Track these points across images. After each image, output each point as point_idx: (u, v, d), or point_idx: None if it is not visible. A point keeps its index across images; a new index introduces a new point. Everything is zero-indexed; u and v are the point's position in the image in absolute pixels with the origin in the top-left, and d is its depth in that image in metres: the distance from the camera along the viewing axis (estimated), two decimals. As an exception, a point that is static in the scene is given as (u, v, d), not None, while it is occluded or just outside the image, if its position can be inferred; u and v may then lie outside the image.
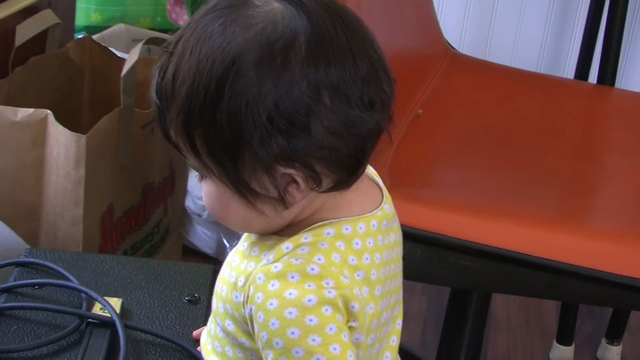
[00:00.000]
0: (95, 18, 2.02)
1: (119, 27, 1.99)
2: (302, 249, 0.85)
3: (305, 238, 0.85)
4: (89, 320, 1.10)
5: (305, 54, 0.80)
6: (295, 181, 0.83)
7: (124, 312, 1.15)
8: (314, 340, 0.82)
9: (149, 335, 1.11)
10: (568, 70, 2.15)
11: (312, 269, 0.83)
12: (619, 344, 1.97)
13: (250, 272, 0.86)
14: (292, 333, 0.82)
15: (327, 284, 0.83)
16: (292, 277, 0.83)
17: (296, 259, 0.84)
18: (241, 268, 0.88)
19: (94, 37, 1.89)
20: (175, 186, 1.85)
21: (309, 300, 0.82)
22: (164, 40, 1.76)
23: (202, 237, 2.10)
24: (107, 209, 1.57)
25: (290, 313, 0.82)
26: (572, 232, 1.30)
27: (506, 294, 2.06)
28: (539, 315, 2.10)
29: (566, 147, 1.55)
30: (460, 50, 1.89)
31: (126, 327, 1.09)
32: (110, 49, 1.84)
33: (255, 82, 0.79)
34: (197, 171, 0.87)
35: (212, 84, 0.80)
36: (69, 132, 1.46)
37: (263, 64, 0.79)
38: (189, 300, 1.19)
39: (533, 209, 1.35)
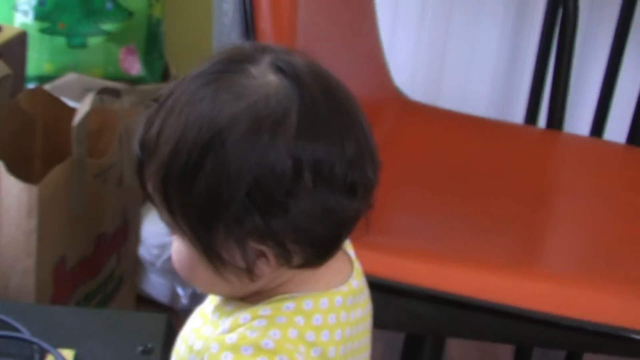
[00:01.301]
0: (47, 68, 2.01)
1: (71, 76, 1.99)
2: (259, 322, 0.83)
3: (264, 310, 0.84)
4: (42, 372, 1.09)
5: (294, 133, 0.78)
6: (265, 256, 0.82)
7: (78, 363, 1.14)
8: None
9: (103, 388, 1.10)
10: (518, 114, 2.17)
11: (267, 344, 0.81)
12: (573, 386, 1.98)
13: (207, 337, 0.86)
14: None
15: (246, 351, 0.81)
16: (246, 350, 0.81)
17: (251, 332, 0.82)
18: (201, 332, 0.88)
19: (46, 86, 1.89)
20: (128, 235, 1.84)
21: None
22: (116, 90, 1.77)
23: (156, 285, 2.09)
24: (60, 259, 1.56)
25: None
26: (523, 276, 1.31)
27: (461, 339, 2.06)
28: (494, 357, 2.10)
29: (517, 191, 1.56)
30: (411, 96, 1.91)
31: (80, 380, 1.08)
32: (63, 98, 1.83)
33: (239, 156, 0.78)
34: (169, 227, 0.85)
35: (195, 151, 0.78)
36: (21, 182, 1.45)
37: (250, 139, 0.78)
38: (142, 351, 1.18)
39: (485, 254, 1.36)
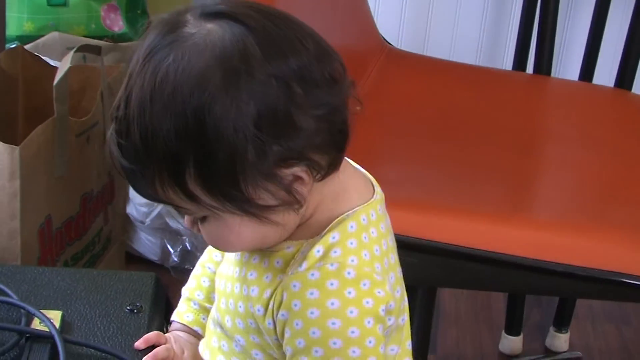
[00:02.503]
0: (27, 27, 1.99)
1: (53, 35, 1.96)
2: (335, 252, 0.85)
3: (333, 237, 0.86)
4: (28, 335, 1.08)
5: (261, 56, 0.80)
6: (299, 178, 0.83)
7: (64, 324, 1.13)
8: (354, 352, 0.83)
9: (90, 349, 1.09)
10: (506, 62, 2.16)
11: (349, 273, 0.84)
12: (566, 332, 1.99)
13: (279, 282, 0.86)
14: (334, 343, 0.83)
15: (364, 285, 0.84)
16: (331, 285, 0.84)
17: (331, 264, 0.84)
18: (263, 281, 0.88)
19: (27, 46, 1.87)
20: (115, 194, 1.83)
21: (351, 312, 0.83)
22: (97, 47, 1.75)
23: (146, 243, 2.08)
24: (45, 221, 1.55)
25: (333, 324, 0.83)
26: (513, 223, 1.30)
27: (452, 288, 2.06)
28: (487, 307, 2.10)
29: (505, 138, 1.55)
30: (398, 47, 1.89)
31: (66, 341, 1.07)
32: (45, 58, 1.81)
33: (231, 100, 0.79)
34: (194, 215, 0.86)
35: (190, 119, 0.79)
36: (1, 143, 1.43)
37: (231, 80, 0.79)
38: (130, 310, 1.17)
39: (474, 203, 1.35)
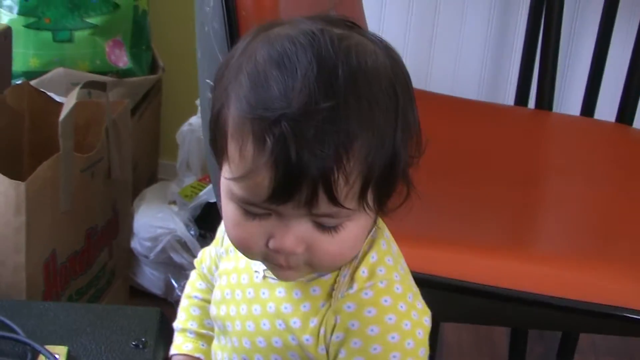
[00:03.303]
0: (33, 63, 2.01)
1: (58, 71, 1.98)
2: (380, 270, 0.88)
3: (373, 257, 0.88)
4: (34, 370, 1.09)
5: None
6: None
7: (70, 360, 1.13)
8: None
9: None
10: (508, 97, 2.17)
11: (397, 289, 0.88)
12: (570, 366, 1.99)
13: (326, 308, 0.87)
14: (394, 357, 0.86)
15: (410, 298, 0.88)
16: (386, 301, 0.86)
17: (381, 282, 0.87)
18: (302, 311, 0.89)
19: (33, 82, 1.88)
20: (119, 229, 1.83)
21: (406, 325, 0.86)
22: (102, 83, 1.77)
23: (150, 278, 2.09)
24: (50, 255, 1.56)
25: (392, 338, 0.86)
26: (516, 258, 1.30)
27: (455, 322, 2.06)
28: (490, 340, 2.10)
29: (507, 173, 1.56)
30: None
31: (72, 377, 1.08)
32: (50, 93, 1.83)
33: (413, 106, 0.83)
34: (335, 223, 0.82)
35: (393, 96, 0.81)
36: (7, 179, 1.44)
37: (408, 89, 0.83)
38: (135, 345, 1.18)
39: (476, 237, 1.35)
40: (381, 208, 0.85)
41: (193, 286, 1.08)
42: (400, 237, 1.30)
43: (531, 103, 1.91)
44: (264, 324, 0.91)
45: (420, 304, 0.90)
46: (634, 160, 1.63)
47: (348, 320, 0.86)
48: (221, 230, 1.01)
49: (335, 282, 0.88)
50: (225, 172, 0.83)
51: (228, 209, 0.84)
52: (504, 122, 1.78)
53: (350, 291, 0.87)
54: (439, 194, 1.47)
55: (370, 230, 0.89)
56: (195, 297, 1.07)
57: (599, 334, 2.08)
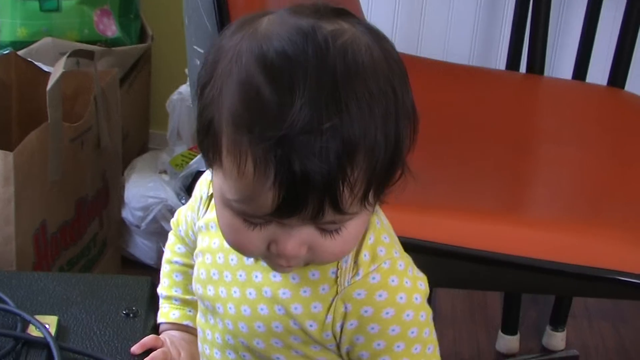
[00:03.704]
0: (21, 33, 1.99)
1: (46, 41, 1.96)
2: (380, 250, 0.88)
3: (370, 239, 0.88)
4: (24, 341, 1.08)
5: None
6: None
7: (60, 330, 1.13)
8: (426, 333, 0.89)
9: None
10: (500, 62, 2.16)
11: (400, 265, 0.88)
12: (563, 330, 1.99)
13: (328, 296, 0.87)
14: (412, 332, 0.87)
15: (410, 272, 0.88)
16: (393, 281, 0.87)
17: (384, 263, 0.87)
18: (303, 296, 0.88)
19: (21, 52, 1.87)
20: (109, 198, 1.83)
21: (416, 299, 0.88)
22: (90, 52, 1.75)
23: (142, 248, 2.08)
24: (40, 226, 1.55)
25: (407, 315, 0.87)
26: (508, 222, 1.30)
27: (448, 288, 2.06)
28: (484, 306, 2.11)
29: (499, 138, 1.55)
30: (391, 48, 1.89)
31: (61, 348, 1.07)
32: (38, 63, 1.81)
33: (408, 84, 0.81)
34: (334, 225, 0.80)
35: (391, 95, 0.78)
36: (-4, 149, 1.44)
37: (404, 78, 0.81)
38: (126, 314, 1.17)
39: (469, 202, 1.35)
40: (380, 199, 0.84)
41: (172, 250, 1.07)
42: (391, 204, 1.30)
43: (523, 68, 1.91)
44: (262, 309, 0.90)
45: (418, 272, 0.90)
46: (625, 123, 1.63)
47: (360, 307, 0.86)
48: (196, 194, 0.98)
49: (337, 267, 0.87)
50: (221, 183, 0.79)
51: (224, 214, 0.82)
52: (496, 86, 1.77)
53: (357, 278, 0.87)
54: (430, 159, 1.46)
55: (369, 221, 0.88)
56: (176, 262, 1.06)
57: (592, 298, 2.09)
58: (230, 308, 0.92)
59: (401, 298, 0.86)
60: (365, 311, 0.86)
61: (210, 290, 0.94)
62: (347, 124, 0.75)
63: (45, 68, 1.79)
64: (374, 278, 0.87)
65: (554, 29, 2.09)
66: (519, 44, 1.91)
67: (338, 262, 0.87)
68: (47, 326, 1.09)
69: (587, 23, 1.86)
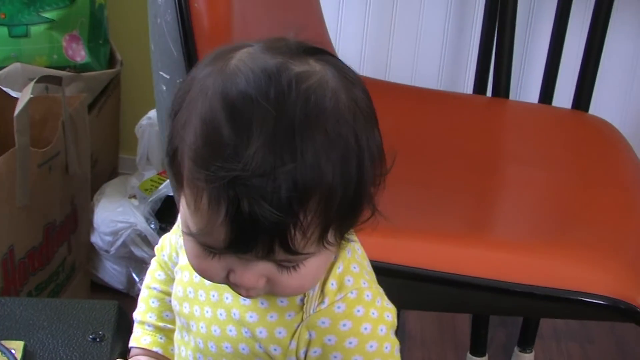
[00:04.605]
0: (-11, 58, 1.99)
1: (15, 66, 1.96)
2: (348, 280, 0.88)
3: (339, 268, 0.88)
4: (-10, 366, 1.08)
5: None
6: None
7: (27, 355, 1.13)
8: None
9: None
10: (467, 86, 2.17)
11: (367, 296, 0.88)
12: (531, 352, 2.00)
13: (296, 322, 0.87)
14: (386, 347, 0.87)
15: (379, 302, 0.88)
16: (358, 312, 0.87)
17: (351, 292, 0.87)
18: (269, 321, 0.88)
19: (-12, 78, 1.87)
20: (78, 223, 1.83)
21: (381, 330, 0.87)
22: (58, 77, 1.75)
23: (111, 272, 2.08)
24: (8, 251, 1.55)
25: (371, 347, 0.87)
26: (475, 244, 1.31)
27: (415, 310, 2.07)
28: (452, 328, 2.11)
29: (467, 160, 1.56)
30: (360, 73, 1.90)
31: (27, 372, 1.07)
32: (6, 89, 1.81)
33: (374, 127, 0.82)
34: (294, 264, 0.81)
35: (355, 164, 0.78)
36: (-37, 175, 1.43)
37: (369, 122, 0.81)
38: (93, 339, 1.17)
39: (436, 224, 1.36)
40: (344, 239, 0.84)
41: (153, 276, 1.07)
42: (359, 226, 1.31)
43: (489, 92, 1.92)
44: (230, 330, 0.91)
45: (388, 304, 0.90)
46: (590, 145, 1.64)
47: (324, 335, 0.87)
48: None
49: (304, 294, 0.88)
50: (184, 211, 0.81)
51: (187, 240, 0.83)
52: (463, 110, 1.79)
53: (322, 306, 0.87)
54: (397, 182, 1.47)
55: (333, 257, 0.87)
56: (155, 288, 1.07)
57: (559, 319, 2.10)
58: (202, 327, 0.93)
59: (365, 329, 0.86)
60: (329, 339, 0.87)
61: (185, 307, 0.95)
62: (300, 170, 0.75)
63: (14, 93, 1.79)
64: (339, 307, 0.87)
65: (520, 53, 2.11)
66: (485, 69, 1.92)
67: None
68: (13, 351, 1.09)
69: (552, 48, 1.89)
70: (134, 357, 1.07)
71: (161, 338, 1.06)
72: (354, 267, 0.89)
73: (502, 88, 1.85)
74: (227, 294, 0.91)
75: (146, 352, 1.07)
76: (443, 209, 1.42)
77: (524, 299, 1.28)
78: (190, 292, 0.94)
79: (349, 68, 0.83)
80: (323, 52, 0.82)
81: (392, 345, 0.89)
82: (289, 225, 0.76)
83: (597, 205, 1.45)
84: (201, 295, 0.93)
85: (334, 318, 0.87)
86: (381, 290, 0.90)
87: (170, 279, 1.04)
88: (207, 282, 0.92)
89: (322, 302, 0.87)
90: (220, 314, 0.91)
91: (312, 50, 0.81)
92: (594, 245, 1.33)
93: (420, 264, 1.27)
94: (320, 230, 0.78)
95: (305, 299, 0.88)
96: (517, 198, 1.50)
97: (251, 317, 0.89)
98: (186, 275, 0.95)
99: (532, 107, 1.87)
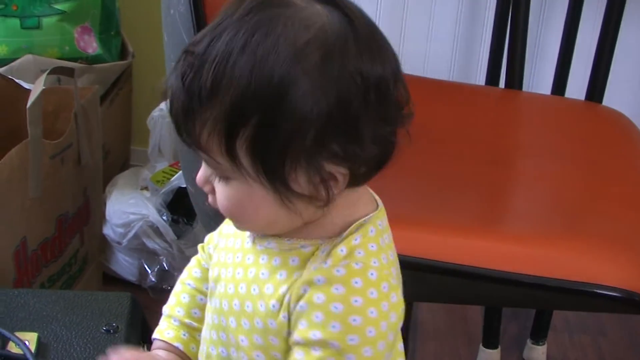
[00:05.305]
0: (1, 50, 1.99)
1: (27, 58, 1.97)
2: (359, 252, 0.87)
3: (356, 240, 0.87)
4: (4, 358, 1.08)
5: (356, 52, 0.82)
6: (336, 178, 0.84)
7: (41, 346, 1.13)
8: (366, 351, 0.85)
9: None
10: (479, 77, 2.17)
11: (372, 274, 0.86)
12: (544, 344, 1.99)
13: (295, 279, 0.87)
14: (352, 340, 0.85)
15: (384, 288, 0.86)
16: (356, 283, 0.85)
17: (356, 263, 0.86)
18: (277, 278, 0.88)
19: (1, 69, 1.87)
20: (90, 215, 1.83)
21: (372, 312, 0.85)
22: (70, 69, 1.76)
23: (123, 264, 2.08)
24: (20, 243, 1.55)
25: (354, 320, 0.85)
26: (486, 236, 1.31)
27: (428, 302, 2.07)
28: (465, 320, 2.11)
29: (479, 152, 1.56)
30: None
31: (41, 364, 1.07)
32: (19, 81, 1.82)
33: (320, 83, 0.80)
34: (219, 172, 0.86)
35: (273, 84, 0.80)
36: (-25, 167, 1.44)
37: (324, 66, 0.81)
38: (106, 330, 1.17)
39: (448, 216, 1.36)
40: (275, 183, 0.83)
41: (189, 272, 1.07)
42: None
43: (502, 83, 1.92)
44: (241, 287, 0.92)
45: (395, 297, 0.88)
46: (602, 137, 1.64)
47: (315, 292, 0.86)
48: None
49: (312, 255, 0.88)
50: None
51: None
52: (475, 102, 1.78)
53: (324, 265, 0.87)
54: (410, 174, 1.47)
55: (271, 207, 0.86)
56: (189, 284, 1.06)
57: (571, 311, 2.10)
58: (221, 287, 0.95)
59: (356, 301, 0.85)
60: (318, 297, 0.85)
61: (215, 271, 0.96)
62: (223, 66, 0.80)
63: (26, 85, 1.79)
64: (338, 271, 0.86)
65: (533, 44, 2.10)
66: (498, 60, 1.92)
67: (316, 251, 0.88)
68: (27, 343, 1.10)
69: (566, 39, 1.88)
70: (154, 351, 1.07)
71: (184, 334, 1.06)
72: (372, 246, 0.88)
73: (515, 79, 1.85)
74: (250, 255, 0.92)
75: (167, 346, 1.06)
76: (455, 201, 1.42)
77: (536, 291, 1.28)
78: (222, 256, 0.96)
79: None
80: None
81: (377, 335, 0.85)
82: (191, 111, 0.81)
83: (610, 198, 1.44)
84: (229, 258, 0.95)
85: (330, 279, 0.85)
86: (395, 282, 0.89)
87: (206, 278, 1.04)
88: (237, 245, 0.94)
89: (324, 261, 0.87)
90: (238, 273, 0.92)
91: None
92: (607, 237, 1.33)
93: (433, 256, 1.27)
94: (224, 137, 0.81)
95: (312, 257, 0.88)
96: (529, 190, 1.50)
97: (263, 274, 0.90)
98: (223, 242, 0.97)
99: (545, 99, 1.87)
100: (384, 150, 0.86)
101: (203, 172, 0.88)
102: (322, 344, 0.85)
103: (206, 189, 0.88)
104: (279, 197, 0.84)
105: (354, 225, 0.88)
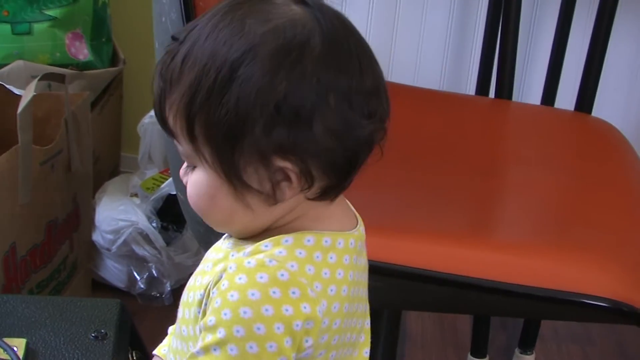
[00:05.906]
0: (-8, 56, 1.99)
1: (18, 64, 1.96)
2: (280, 252, 0.86)
3: (286, 241, 0.87)
4: (-9, 363, 1.08)
5: (318, 55, 0.83)
6: (288, 178, 0.84)
7: (29, 352, 1.13)
8: (251, 347, 0.83)
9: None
10: (469, 87, 2.17)
11: (282, 275, 0.84)
12: (532, 353, 2.00)
13: (226, 264, 0.87)
14: (237, 331, 0.82)
15: (293, 294, 0.83)
16: (261, 278, 0.83)
17: (270, 260, 0.84)
18: (216, 270, 0.88)
19: (-9, 75, 1.87)
20: (80, 221, 1.83)
21: (266, 310, 0.82)
22: (61, 75, 1.75)
23: (112, 271, 2.08)
24: (10, 248, 1.55)
25: (244, 312, 0.82)
26: (475, 246, 1.31)
27: (416, 311, 2.07)
28: (453, 329, 2.11)
29: (469, 162, 1.56)
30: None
31: (29, 369, 1.07)
32: (9, 86, 1.81)
33: (268, 71, 0.81)
34: (187, 159, 0.88)
35: (226, 66, 0.82)
36: (-35, 172, 1.43)
37: (279, 56, 0.82)
38: (95, 337, 1.17)
39: (438, 225, 1.36)
40: (229, 174, 0.84)
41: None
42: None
43: (492, 93, 1.92)
44: (191, 280, 0.92)
45: (306, 307, 0.84)
46: (591, 148, 1.65)
47: (224, 279, 0.85)
48: None
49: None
50: None
51: None
52: (465, 111, 1.79)
53: (242, 255, 0.87)
54: (400, 183, 1.47)
55: (227, 199, 0.86)
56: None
57: (560, 321, 2.10)
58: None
59: (252, 294, 0.83)
60: (224, 284, 0.84)
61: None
62: (192, 50, 0.84)
63: (17, 91, 1.79)
64: (249, 262, 0.85)
65: (523, 54, 2.11)
66: (488, 70, 1.93)
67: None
68: (15, 349, 1.09)
69: (555, 50, 1.89)
70: None
71: None
72: (300, 252, 0.86)
73: (505, 89, 1.85)
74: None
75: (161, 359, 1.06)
76: (444, 210, 1.42)
77: (525, 301, 1.28)
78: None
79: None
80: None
81: (266, 334, 0.82)
82: (164, 94, 0.85)
83: (600, 207, 1.45)
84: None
85: (239, 268, 0.84)
86: (312, 295, 0.84)
87: None
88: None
89: (244, 252, 0.87)
90: (191, 280, 0.93)
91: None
92: (595, 247, 1.33)
93: (422, 265, 1.26)
94: (185, 120, 0.83)
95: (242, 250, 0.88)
96: (519, 200, 1.50)
97: (208, 267, 0.91)
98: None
99: (535, 109, 1.87)
100: (342, 157, 0.85)
101: (183, 165, 0.90)
102: (213, 330, 0.83)
103: (184, 180, 0.89)
104: (233, 189, 0.85)
105: (298, 232, 0.88)
